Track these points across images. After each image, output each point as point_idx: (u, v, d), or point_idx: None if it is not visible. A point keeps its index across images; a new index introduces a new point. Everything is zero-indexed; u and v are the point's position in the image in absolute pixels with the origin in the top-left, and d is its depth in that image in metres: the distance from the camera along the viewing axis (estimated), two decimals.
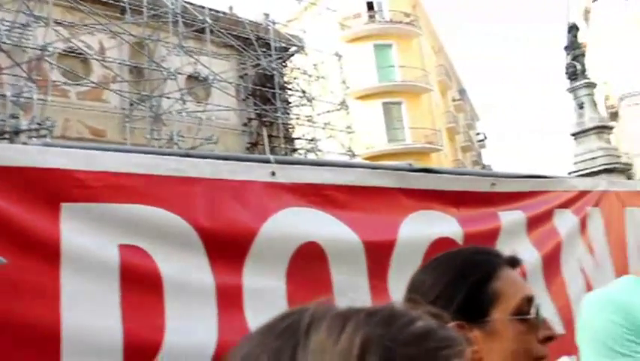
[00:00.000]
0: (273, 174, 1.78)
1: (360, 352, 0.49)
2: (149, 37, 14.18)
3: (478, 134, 51.89)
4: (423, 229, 1.94)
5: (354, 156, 19.03)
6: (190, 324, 1.59)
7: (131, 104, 13.99)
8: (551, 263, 2.46)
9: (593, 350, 1.56)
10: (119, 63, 13.95)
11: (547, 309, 2.36)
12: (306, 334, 0.51)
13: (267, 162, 1.81)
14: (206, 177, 1.70)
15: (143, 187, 1.62)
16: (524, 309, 1.10)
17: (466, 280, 1.12)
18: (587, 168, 11.08)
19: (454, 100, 41.81)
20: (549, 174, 2.61)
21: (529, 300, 1.12)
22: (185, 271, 1.62)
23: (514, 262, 1.18)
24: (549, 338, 1.12)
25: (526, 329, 1.10)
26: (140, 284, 1.56)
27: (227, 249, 1.66)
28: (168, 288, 1.59)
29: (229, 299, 1.64)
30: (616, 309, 1.56)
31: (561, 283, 2.46)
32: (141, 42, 14.20)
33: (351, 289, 1.75)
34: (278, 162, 1.82)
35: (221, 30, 15.58)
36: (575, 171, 11.22)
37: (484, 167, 39.66)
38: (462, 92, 45.79)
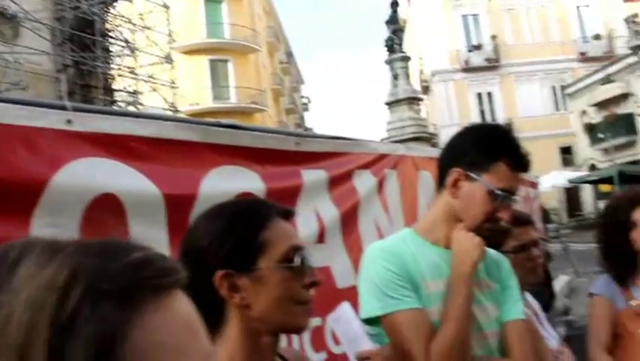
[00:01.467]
0: (69, 122, 1.68)
1: (67, 279, 0.48)
2: None
3: (302, 97, 53.13)
4: (225, 183, 1.97)
5: (177, 111, 18.57)
6: None
7: None
8: (349, 220, 2.64)
9: (369, 295, 1.72)
10: None
11: (343, 261, 2.54)
12: (15, 263, 0.50)
13: (63, 108, 1.71)
14: None
15: None
16: (291, 257, 1.19)
17: (236, 228, 1.17)
18: (397, 136, 11.88)
19: (281, 62, 42.29)
20: (351, 137, 2.78)
21: (296, 249, 1.20)
22: None
23: (287, 213, 1.26)
24: (314, 284, 1.23)
25: (292, 276, 1.19)
26: None
27: (13, 199, 1.55)
28: None
29: None
30: (390, 257, 1.73)
31: (357, 237, 2.65)
32: None
33: (149, 243, 1.73)
34: (75, 109, 1.72)
35: None
36: (387, 138, 11.98)
37: (306, 129, 40.81)
38: (289, 54, 46.42)
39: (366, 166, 2.82)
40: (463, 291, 1.68)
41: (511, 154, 1.75)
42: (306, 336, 2.30)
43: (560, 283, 11.15)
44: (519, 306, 1.87)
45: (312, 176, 2.40)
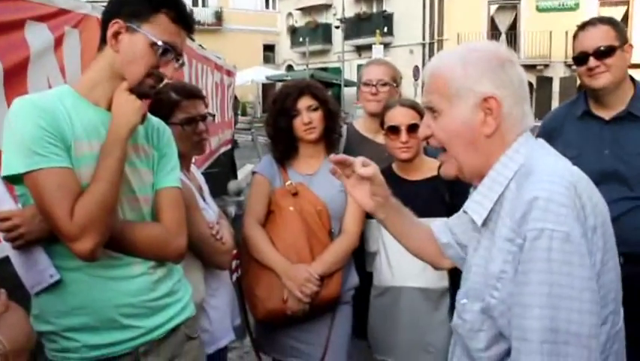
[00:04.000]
0: None
1: None
2: None
3: None
4: None
5: None
6: None
7: None
8: (16, 74, 2.38)
9: (13, 151, 1.60)
10: None
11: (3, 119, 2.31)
12: None
13: None
14: None
15: None
16: None
17: None
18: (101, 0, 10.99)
19: None
20: None
21: None
22: None
23: None
24: None
25: None
26: None
27: None
28: None
29: None
30: (40, 113, 1.62)
31: (24, 94, 2.42)
32: None
33: None
34: None
35: None
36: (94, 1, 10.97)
37: None
38: None
39: (43, 19, 2.54)
40: (116, 153, 1.67)
41: (172, 6, 1.76)
42: None
43: (245, 170, 11.95)
44: (174, 175, 1.93)
45: None
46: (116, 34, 1.73)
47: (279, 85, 33.22)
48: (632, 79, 2.76)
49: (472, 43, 1.58)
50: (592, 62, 2.65)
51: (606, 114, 2.74)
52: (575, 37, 2.78)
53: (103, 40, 1.77)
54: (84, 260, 1.63)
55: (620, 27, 2.72)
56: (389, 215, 1.91)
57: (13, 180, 1.65)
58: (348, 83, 28.49)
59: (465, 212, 1.55)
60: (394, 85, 3.22)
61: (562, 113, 2.97)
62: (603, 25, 2.69)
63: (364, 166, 1.80)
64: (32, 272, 1.71)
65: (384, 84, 3.18)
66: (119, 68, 1.74)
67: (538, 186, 1.31)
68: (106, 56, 1.77)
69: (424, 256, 1.98)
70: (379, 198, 1.85)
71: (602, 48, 2.63)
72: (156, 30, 1.72)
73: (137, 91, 1.76)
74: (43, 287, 1.71)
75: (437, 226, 1.93)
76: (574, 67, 2.98)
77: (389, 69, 3.28)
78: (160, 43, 1.72)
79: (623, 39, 2.68)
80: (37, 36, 2.51)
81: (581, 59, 2.70)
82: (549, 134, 2.82)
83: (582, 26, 2.76)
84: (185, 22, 1.80)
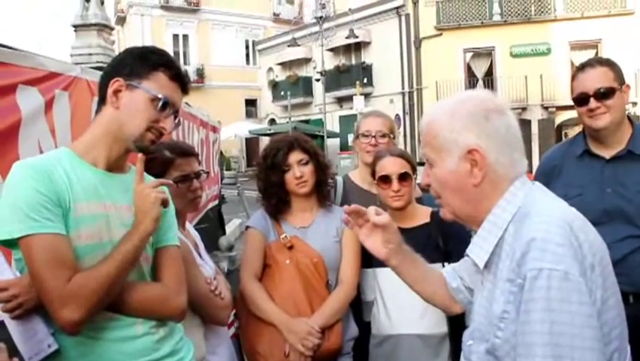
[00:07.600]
0: None
1: None
2: None
3: None
4: None
5: None
6: None
7: None
8: (8, 138, 2.38)
9: (10, 215, 1.58)
10: None
11: None
12: None
13: None
14: None
15: None
16: None
17: None
18: (83, 63, 11.08)
19: None
20: (15, 47, 2.49)
21: None
22: None
23: None
24: None
25: None
26: None
27: None
28: None
29: None
30: (38, 176, 1.62)
31: (16, 159, 2.41)
32: None
33: None
34: None
35: None
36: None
37: None
38: None
39: (33, 83, 2.57)
40: (136, 242, 1.69)
41: (169, 65, 1.83)
42: None
43: (233, 225, 11.91)
44: (172, 232, 1.94)
45: None
46: (117, 92, 1.77)
47: (262, 139, 33.62)
48: (629, 118, 2.80)
49: (463, 94, 1.62)
50: (592, 103, 2.67)
51: (606, 153, 2.76)
52: (573, 78, 2.80)
53: (101, 101, 1.80)
54: (65, 330, 1.58)
55: (617, 68, 2.74)
56: (402, 262, 1.93)
57: (9, 245, 1.63)
58: (331, 135, 28.74)
59: (467, 255, 1.57)
60: (392, 137, 3.25)
61: (560, 153, 2.99)
62: (602, 66, 2.71)
63: (377, 215, 1.84)
64: (30, 342, 1.66)
65: (383, 135, 3.20)
66: (119, 126, 1.78)
67: (535, 227, 1.35)
68: (104, 116, 1.80)
69: (436, 302, 1.99)
70: (392, 245, 1.87)
71: (602, 90, 2.65)
72: (155, 86, 1.78)
73: (138, 146, 1.79)
74: (42, 357, 1.66)
75: (447, 270, 1.97)
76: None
77: (387, 121, 3.30)
78: (160, 96, 1.77)
79: (621, 80, 2.71)
80: (29, 100, 2.53)
81: (581, 100, 2.72)
82: (548, 173, 2.84)
83: (581, 67, 2.78)
84: (182, 81, 1.87)
